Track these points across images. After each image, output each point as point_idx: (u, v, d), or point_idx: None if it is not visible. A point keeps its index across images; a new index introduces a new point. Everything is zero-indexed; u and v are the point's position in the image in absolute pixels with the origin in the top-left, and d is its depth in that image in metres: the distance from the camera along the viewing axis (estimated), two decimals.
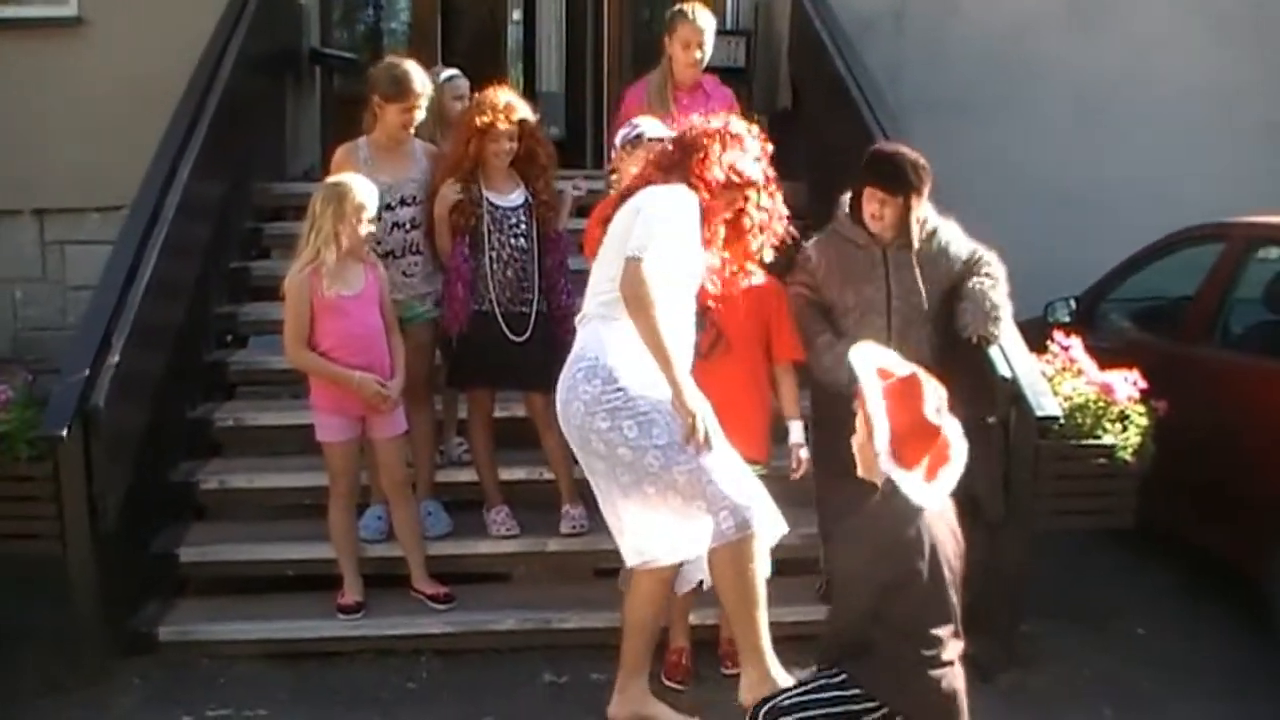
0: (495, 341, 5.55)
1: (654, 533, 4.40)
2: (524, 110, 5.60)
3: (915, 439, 3.42)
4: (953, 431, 3.50)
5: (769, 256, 4.75)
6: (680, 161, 4.40)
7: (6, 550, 5.18)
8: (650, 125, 5.30)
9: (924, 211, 5.09)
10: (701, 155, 4.37)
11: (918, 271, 5.07)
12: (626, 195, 4.46)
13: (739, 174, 4.40)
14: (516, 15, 14.99)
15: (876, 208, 5.00)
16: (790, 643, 4.58)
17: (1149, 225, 7.15)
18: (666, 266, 4.20)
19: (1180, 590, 6.22)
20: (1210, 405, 5.88)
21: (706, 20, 6.16)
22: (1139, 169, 8.68)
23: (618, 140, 5.35)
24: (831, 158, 7.37)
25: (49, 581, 5.25)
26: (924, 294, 5.07)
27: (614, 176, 5.34)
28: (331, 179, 5.32)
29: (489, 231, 5.55)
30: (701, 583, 4.81)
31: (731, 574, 4.21)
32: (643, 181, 4.44)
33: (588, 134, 9.92)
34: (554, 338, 5.60)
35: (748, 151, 4.46)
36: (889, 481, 3.43)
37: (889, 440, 3.41)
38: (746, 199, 4.48)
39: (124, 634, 5.35)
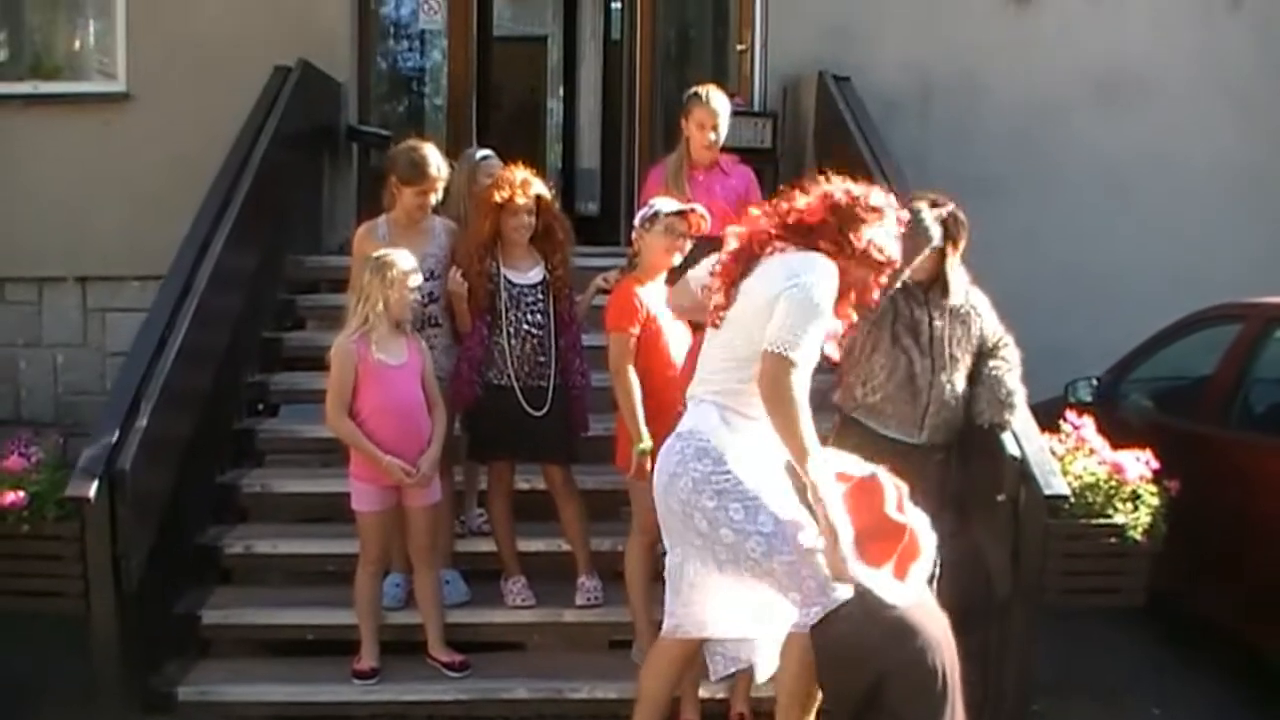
0: (514, 415, 5.64)
1: (721, 608, 4.26)
2: (541, 187, 5.72)
3: (879, 538, 3.44)
4: (918, 525, 3.52)
5: None
6: (823, 228, 4.07)
7: (33, 607, 5.29)
8: (666, 205, 5.42)
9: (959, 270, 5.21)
10: (854, 226, 4.05)
11: (954, 321, 5.19)
12: (748, 254, 4.14)
13: (882, 251, 4.08)
14: (560, 92, 15.26)
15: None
16: None
17: (1175, 306, 7.19)
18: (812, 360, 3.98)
19: (1196, 669, 6.19)
20: (1227, 484, 5.90)
21: (721, 102, 6.25)
22: (1165, 250, 8.73)
23: (637, 220, 5.46)
24: None
25: (73, 638, 5.36)
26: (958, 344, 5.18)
27: (636, 257, 5.45)
28: (376, 253, 5.44)
29: (506, 308, 5.66)
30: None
31: (799, 662, 4.05)
32: (768, 240, 4.12)
33: (621, 210, 10.04)
34: (570, 412, 5.72)
35: (889, 227, 4.15)
36: (860, 585, 3.44)
37: (853, 542, 3.42)
38: (880, 276, 4.23)
39: (144, 692, 5.42)
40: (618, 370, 5.33)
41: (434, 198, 5.78)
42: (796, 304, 3.85)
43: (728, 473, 4.00)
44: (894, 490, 3.51)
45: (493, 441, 5.75)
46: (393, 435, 5.35)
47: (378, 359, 5.33)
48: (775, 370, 3.82)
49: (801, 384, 3.84)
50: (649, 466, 4.85)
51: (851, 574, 3.41)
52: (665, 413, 4.95)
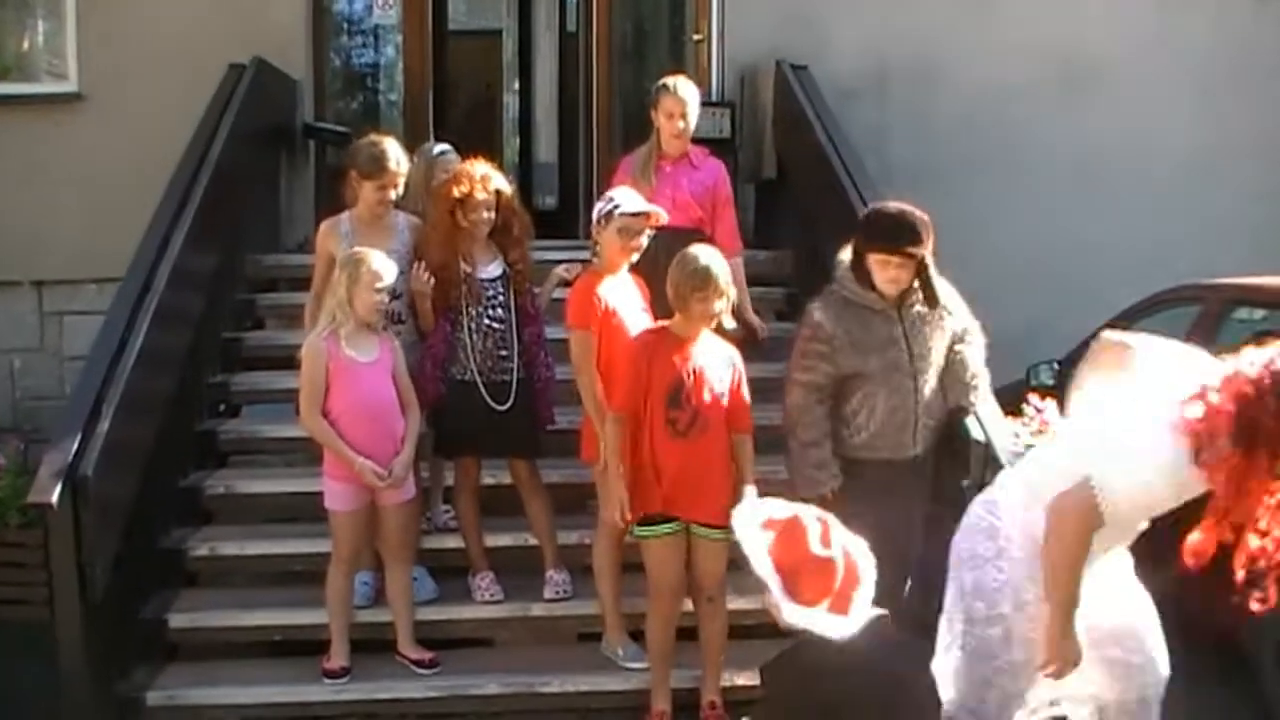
0: (478, 410, 5.64)
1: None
2: (500, 181, 5.71)
3: (808, 575, 3.45)
4: (854, 552, 3.53)
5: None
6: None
7: None
8: (626, 198, 5.43)
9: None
10: None
11: (929, 328, 5.07)
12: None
13: None
14: (515, 86, 15.23)
15: (894, 271, 4.89)
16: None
17: (1136, 289, 7.21)
18: (1124, 515, 3.64)
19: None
20: None
21: (688, 92, 6.26)
22: (1126, 233, 8.77)
23: (595, 213, 5.46)
24: (816, 226, 7.49)
25: (39, 646, 5.31)
26: (934, 350, 5.08)
27: (597, 249, 5.45)
28: (353, 250, 5.44)
29: (467, 303, 5.65)
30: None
31: None
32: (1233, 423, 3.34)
33: (580, 204, 10.04)
34: (535, 406, 5.73)
35: None
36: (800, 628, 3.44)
37: (781, 587, 3.43)
38: None
39: (112, 699, 5.38)
40: (579, 367, 5.37)
41: (394, 192, 5.76)
42: (1150, 463, 3.49)
43: (1001, 578, 3.90)
44: (816, 525, 3.51)
45: (458, 437, 5.75)
46: (364, 433, 5.34)
47: (348, 355, 5.32)
48: (1080, 503, 3.56)
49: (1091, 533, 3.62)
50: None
51: (786, 619, 3.42)
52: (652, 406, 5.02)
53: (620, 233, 5.33)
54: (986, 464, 5.17)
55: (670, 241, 5.52)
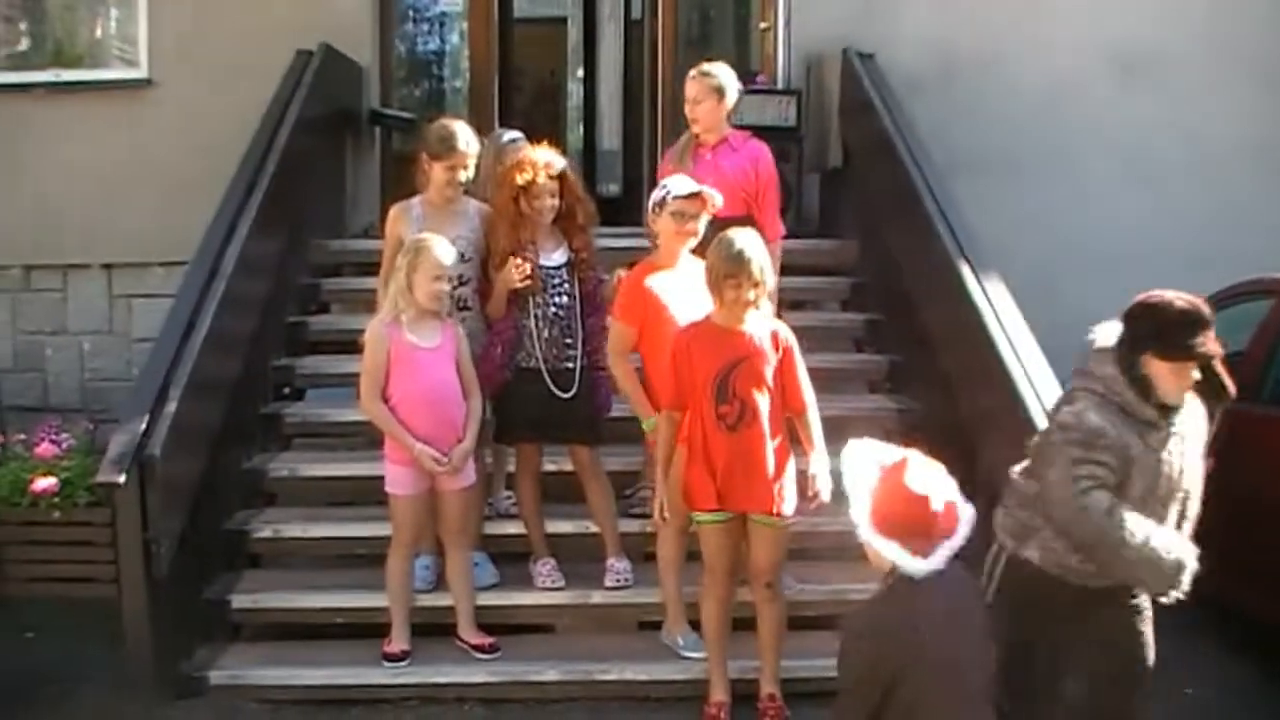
0: (542, 397, 5.64)
1: None
2: (563, 167, 5.70)
3: (902, 512, 3.34)
4: (950, 500, 3.43)
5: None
6: None
7: (64, 593, 5.33)
8: (676, 182, 5.41)
9: None
10: None
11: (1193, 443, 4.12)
12: None
13: None
14: (579, 74, 15.25)
15: (1185, 380, 3.95)
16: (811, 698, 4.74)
17: (1197, 283, 6.99)
18: None
19: (1226, 650, 6.15)
20: (1258, 464, 5.85)
21: (709, 75, 6.16)
22: (1186, 226, 8.64)
23: (649, 203, 5.45)
24: (880, 215, 7.45)
25: (105, 624, 5.39)
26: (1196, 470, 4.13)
27: (656, 240, 5.45)
28: (415, 236, 5.45)
29: (533, 290, 5.65)
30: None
31: None
32: None
33: (644, 191, 10.02)
34: (595, 394, 5.73)
35: None
36: (893, 568, 3.38)
37: (869, 512, 3.36)
38: None
39: (176, 677, 5.45)
40: (611, 359, 5.45)
41: (464, 174, 5.76)
42: None
43: None
44: (922, 464, 3.45)
45: (521, 424, 5.75)
46: (424, 419, 5.36)
47: (410, 341, 5.33)
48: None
49: None
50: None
51: (875, 549, 3.36)
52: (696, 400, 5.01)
53: (674, 217, 5.32)
54: None
55: (715, 231, 5.54)
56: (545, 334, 5.65)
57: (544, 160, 5.63)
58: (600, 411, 5.82)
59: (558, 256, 5.73)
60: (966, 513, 3.41)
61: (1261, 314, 6.49)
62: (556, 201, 5.65)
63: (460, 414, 5.45)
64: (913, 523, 3.32)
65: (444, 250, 5.35)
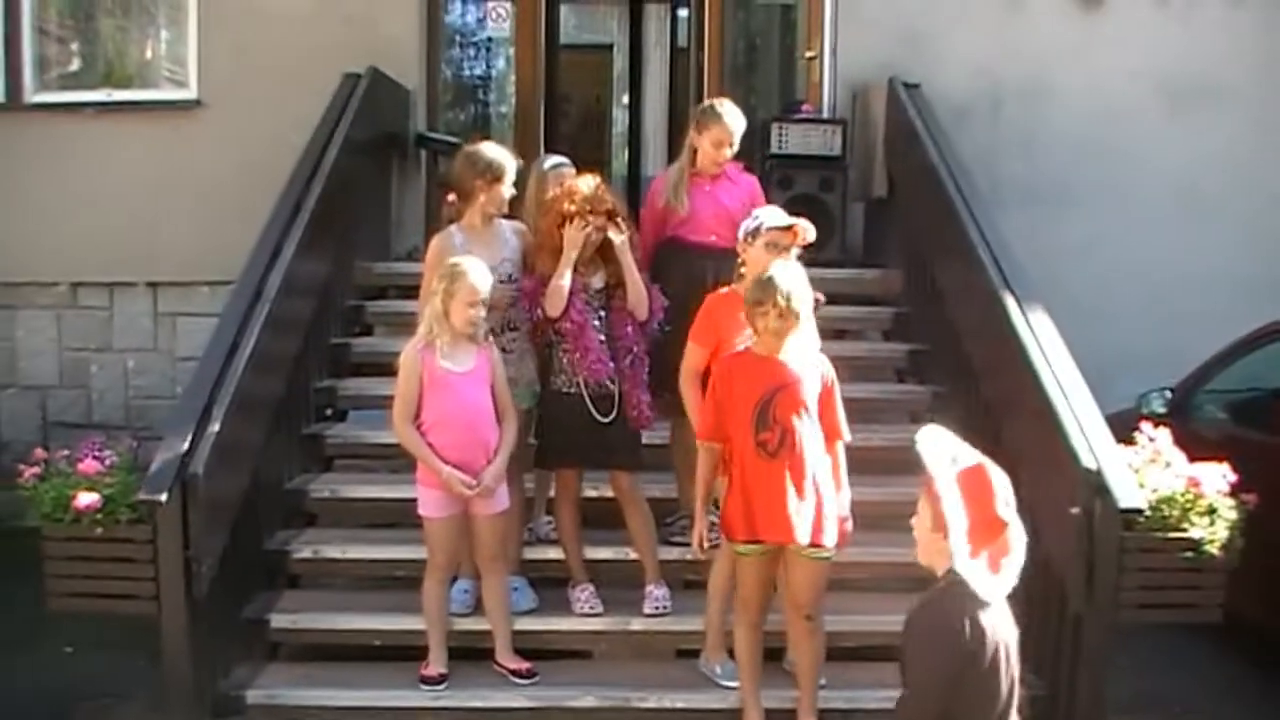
0: (583, 423, 5.63)
1: None
2: (610, 198, 5.69)
3: (983, 532, 3.37)
4: (1016, 524, 3.45)
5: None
6: None
7: (105, 609, 5.34)
8: (770, 214, 5.36)
9: None
10: None
11: None
12: None
13: None
14: (625, 100, 15.30)
15: None
16: None
17: (1247, 315, 7.10)
18: None
19: (1270, 687, 6.08)
20: None
21: (736, 121, 6.06)
22: (1236, 258, 8.60)
23: (741, 232, 5.37)
24: (925, 245, 7.43)
25: (144, 641, 5.41)
26: None
27: (742, 267, 5.32)
28: (451, 260, 5.43)
29: (584, 305, 5.64)
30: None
31: None
32: None
33: None
34: (632, 417, 5.71)
35: None
36: (951, 572, 3.38)
37: (965, 532, 3.35)
38: None
39: (214, 696, 5.45)
40: (683, 377, 5.41)
41: (506, 190, 5.77)
42: None
43: None
44: (1003, 484, 3.43)
45: (562, 449, 5.74)
46: (456, 443, 5.35)
47: (443, 367, 5.33)
48: None
49: None
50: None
51: (952, 563, 3.34)
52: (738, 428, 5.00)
53: (768, 248, 5.23)
54: (1096, 493, 5.09)
55: (719, 261, 5.61)
56: (585, 358, 5.63)
57: (592, 191, 5.62)
58: (640, 436, 5.80)
59: (596, 281, 5.72)
60: (1021, 531, 3.42)
61: None
62: (600, 233, 5.63)
63: (494, 437, 5.44)
64: (990, 544, 3.33)
65: (480, 275, 5.34)
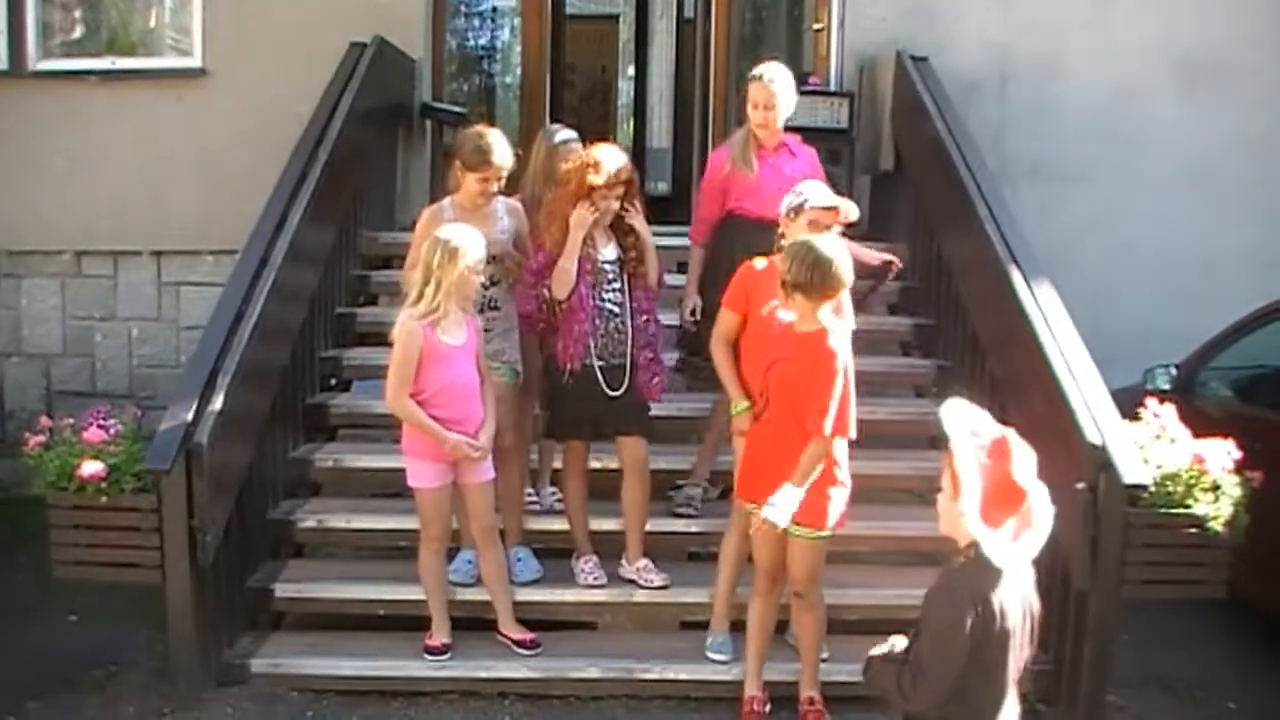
0: (595, 396, 5.61)
1: None
2: (630, 170, 5.64)
3: (1001, 501, 3.36)
4: (1039, 496, 3.45)
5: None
6: None
7: (110, 578, 5.35)
8: (815, 192, 5.29)
9: None
10: None
11: None
12: None
13: None
14: (630, 72, 15.24)
15: None
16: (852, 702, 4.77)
17: (1258, 291, 7.08)
18: None
19: (1272, 664, 6.09)
20: None
21: (777, 81, 6.05)
22: (1248, 234, 8.59)
23: (783, 207, 5.32)
24: (931, 219, 7.41)
25: (149, 610, 5.43)
26: None
27: (783, 241, 5.20)
28: (443, 233, 5.38)
29: (594, 285, 5.62)
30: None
31: None
32: None
33: (692, 190, 9.99)
34: (641, 384, 5.72)
35: None
36: (973, 544, 3.38)
37: (979, 500, 3.35)
38: None
39: (218, 664, 5.48)
40: (714, 341, 5.38)
41: (496, 185, 5.74)
42: None
43: None
44: (1024, 455, 3.42)
45: (572, 421, 5.73)
46: (455, 414, 5.36)
47: (442, 340, 5.32)
48: None
49: None
50: (746, 425, 5.07)
51: (968, 531, 3.34)
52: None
53: (810, 226, 5.16)
54: (1102, 468, 5.09)
55: (769, 232, 5.48)
56: (601, 330, 5.62)
57: (616, 164, 5.56)
58: (648, 405, 5.78)
59: (609, 252, 5.70)
60: (1048, 504, 3.40)
61: None
62: (618, 204, 5.62)
63: (481, 406, 5.45)
64: (1011, 514, 3.32)
65: (476, 243, 5.30)
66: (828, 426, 4.74)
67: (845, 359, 4.82)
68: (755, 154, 6.09)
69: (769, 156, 6.11)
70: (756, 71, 6.14)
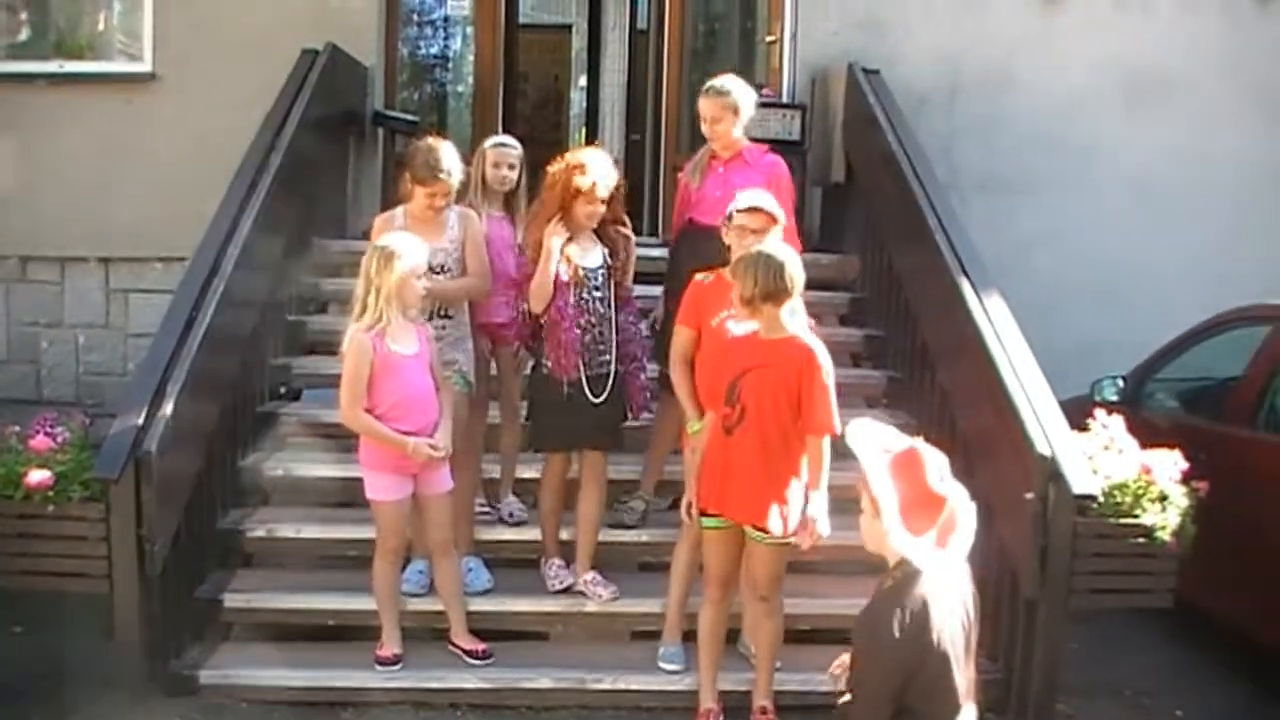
0: (578, 405, 5.60)
1: None
2: (617, 175, 5.66)
3: (921, 510, 3.38)
4: (959, 498, 3.46)
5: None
6: None
7: (57, 587, 5.30)
8: (741, 198, 5.32)
9: None
10: None
11: None
12: None
13: None
14: (582, 82, 15.26)
15: None
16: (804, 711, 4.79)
17: (1201, 304, 7.16)
18: None
19: (1218, 671, 6.17)
20: (1256, 489, 5.86)
21: (726, 94, 6.08)
22: (1191, 248, 8.68)
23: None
24: (882, 231, 7.45)
25: (96, 619, 5.37)
26: None
27: (729, 254, 5.24)
28: (380, 241, 5.39)
29: (575, 292, 5.60)
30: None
31: None
32: None
33: (644, 200, 10.01)
34: (624, 393, 5.73)
35: None
36: (901, 563, 3.39)
37: (897, 512, 3.37)
38: None
39: (166, 675, 5.44)
40: (672, 358, 5.42)
41: (444, 201, 5.73)
42: None
43: None
44: (936, 460, 3.45)
45: (558, 433, 5.73)
46: (411, 425, 5.34)
47: (393, 350, 5.30)
48: None
49: None
50: (703, 442, 5.09)
51: (892, 547, 3.36)
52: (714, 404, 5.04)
53: (739, 232, 5.21)
54: (1051, 479, 5.14)
55: (707, 240, 5.54)
56: (584, 338, 5.60)
57: (603, 169, 5.57)
58: (635, 412, 5.82)
59: (592, 259, 5.68)
60: (969, 504, 3.42)
61: (1256, 341, 6.50)
62: (604, 209, 5.60)
63: (436, 414, 5.43)
64: (933, 522, 3.33)
65: (414, 249, 5.30)
66: (838, 424, 4.77)
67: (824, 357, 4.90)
68: (708, 164, 6.12)
69: (720, 167, 6.12)
70: (709, 83, 6.18)
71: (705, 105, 6.11)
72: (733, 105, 6.08)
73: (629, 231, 5.79)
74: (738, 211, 5.24)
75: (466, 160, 5.92)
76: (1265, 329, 6.51)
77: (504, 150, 6.14)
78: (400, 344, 5.32)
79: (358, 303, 5.33)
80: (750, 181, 5.97)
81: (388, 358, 5.28)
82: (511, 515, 6.22)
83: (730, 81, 6.16)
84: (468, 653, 5.60)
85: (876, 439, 3.48)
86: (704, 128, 6.14)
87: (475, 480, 6.06)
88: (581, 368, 5.59)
